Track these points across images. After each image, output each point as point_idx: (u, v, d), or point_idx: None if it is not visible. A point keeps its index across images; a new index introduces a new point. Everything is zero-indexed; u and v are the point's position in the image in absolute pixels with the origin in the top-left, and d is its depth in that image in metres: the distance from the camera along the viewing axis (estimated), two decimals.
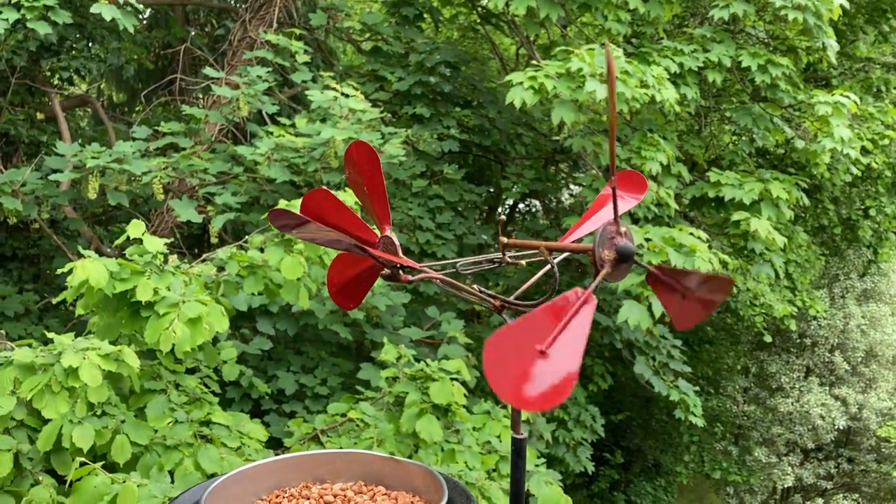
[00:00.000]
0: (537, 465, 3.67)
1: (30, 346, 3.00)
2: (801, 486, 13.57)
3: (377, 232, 1.08)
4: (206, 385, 3.64)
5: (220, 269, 3.51)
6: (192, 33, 7.77)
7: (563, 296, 0.82)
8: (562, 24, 6.39)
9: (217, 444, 3.19)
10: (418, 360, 3.89)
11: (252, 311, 4.74)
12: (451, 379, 3.70)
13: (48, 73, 6.95)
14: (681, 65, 5.69)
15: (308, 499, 1.09)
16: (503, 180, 7.64)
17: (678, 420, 6.36)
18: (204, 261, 3.63)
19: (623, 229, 0.90)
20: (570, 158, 7.85)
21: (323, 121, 5.12)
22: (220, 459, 3.07)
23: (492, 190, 8.61)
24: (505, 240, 1.05)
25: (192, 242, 6.73)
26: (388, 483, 1.13)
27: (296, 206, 3.39)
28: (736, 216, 5.78)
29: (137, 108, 8.72)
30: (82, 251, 3.12)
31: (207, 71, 5.47)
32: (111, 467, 2.91)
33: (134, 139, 5.18)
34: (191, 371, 3.70)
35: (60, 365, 2.73)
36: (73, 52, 6.95)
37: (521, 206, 10.14)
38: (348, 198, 3.21)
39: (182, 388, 3.44)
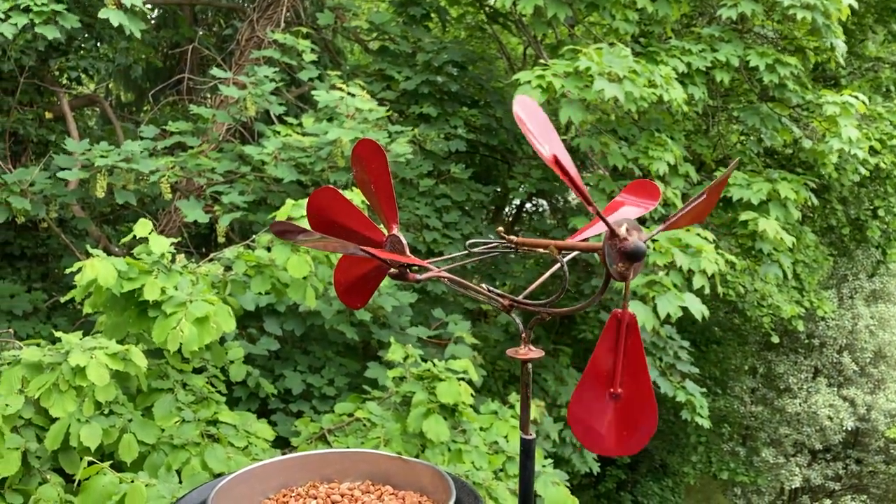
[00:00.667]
0: (544, 466, 3.66)
1: (38, 345, 3.00)
2: (809, 487, 13.50)
3: (384, 231, 1.08)
4: (213, 384, 3.65)
5: (228, 268, 3.51)
6: (200, 33, 7.79)
7: (608, 325, 0.90)
8: (569, 23, 6.38)
9: (224, 444, 3.20)
10: (425, 360, 3.89)
11: (259, 311, 4.74)
12: (459, 379, 3.69)
13: (57, 73, 6.98)
14: (689, 64, 5.67)
15: (315, 498, 1.08)
16: (510, 180, 7.62)
17: (685, 420, 6.33)
18: (211, 260, 3.63)
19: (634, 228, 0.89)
20: (577, 158, 7.83)
21: (330, 120, 5.12)
22: (227, 459, 3.07)
23: (499, 189, 8.59)
24: (515, 238, 1.05)
25: (199, 242, 6.75)
26: (396, 483, 1.13)
27: (303, 205, 3.39)
28: (744, 216, 5.76)
29: (145, 108, 8.75)
30: (90, 250, 3.12)
31: (215, 71, 5.48)
32: (118, 466, 2.91)
33: (142, 138, 5.19)
34: (198, 370, 3.71)
35: (68, 364, 2.74)
36: (82, 51, 6.97)
37: (528, 205, 10.13)
38: (355, 197, 3.21)
39: (189, 388, 3.44)
